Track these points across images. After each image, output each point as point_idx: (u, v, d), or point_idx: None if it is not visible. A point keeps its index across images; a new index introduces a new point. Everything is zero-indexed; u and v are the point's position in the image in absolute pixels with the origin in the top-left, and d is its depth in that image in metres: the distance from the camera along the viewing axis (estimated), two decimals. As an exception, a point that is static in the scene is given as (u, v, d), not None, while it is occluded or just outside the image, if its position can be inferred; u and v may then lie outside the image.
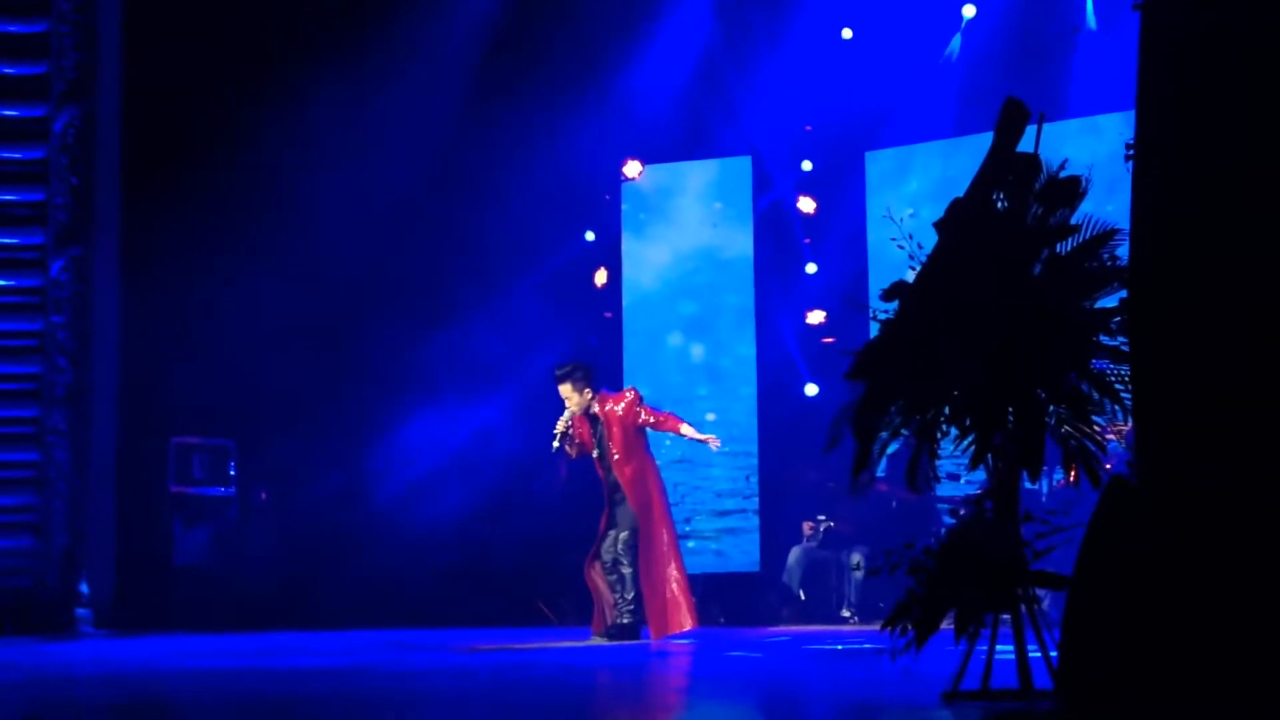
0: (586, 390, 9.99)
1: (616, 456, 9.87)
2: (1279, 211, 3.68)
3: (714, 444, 10.18)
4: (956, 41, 13.18)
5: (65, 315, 12.21)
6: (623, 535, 9.87)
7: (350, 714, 5.35)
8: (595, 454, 10.00)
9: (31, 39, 12.39)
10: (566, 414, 9.97)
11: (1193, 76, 3.83)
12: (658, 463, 10.35)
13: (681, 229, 14.31)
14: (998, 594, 4.67)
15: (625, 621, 9.82)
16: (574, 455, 10.11)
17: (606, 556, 9.96)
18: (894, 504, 12.01)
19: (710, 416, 13.51)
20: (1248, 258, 3.68)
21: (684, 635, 9.87)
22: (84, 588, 11.98)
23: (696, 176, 14.31)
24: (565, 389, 9.99)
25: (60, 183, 12.26)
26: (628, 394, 10.08)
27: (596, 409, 9.96)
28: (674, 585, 9.84)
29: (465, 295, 14.11)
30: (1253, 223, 3.69)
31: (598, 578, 10.03)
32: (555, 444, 9.99)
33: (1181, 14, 3.87)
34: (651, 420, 10.02)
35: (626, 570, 9.84)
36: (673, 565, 9.89)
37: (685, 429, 10.10)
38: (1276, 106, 3.69)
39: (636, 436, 9.99)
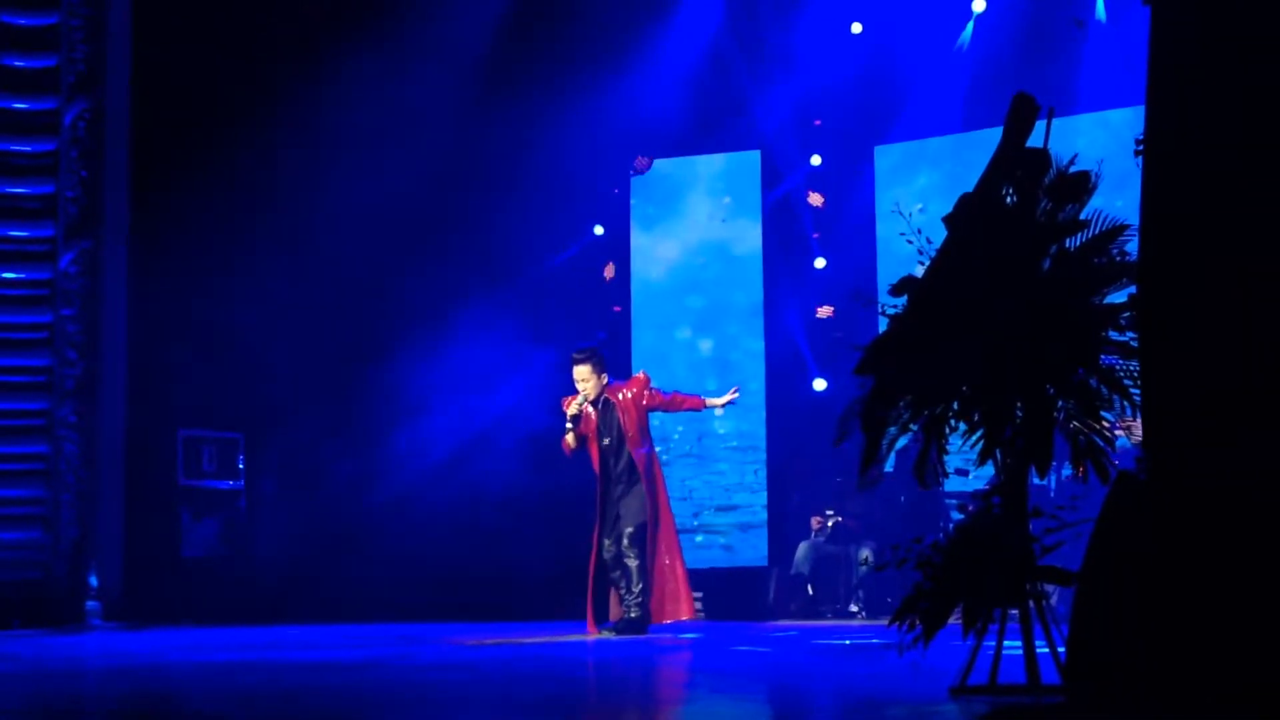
0: (603, 375, 10.02)
1: (630, 434, 9.89)
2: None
3: (734, 395, 10.36)
4: (968, 31, 13.16)
5: (74, 308, 12.24)
6: (628, 530, 9.86)
7: (358, 707, 5.36)
8: (605, 441, 9.97)
9: (42, 32, 12.41)
10: (580, 397, 9.97)
11: (1201, 72, 3.82)
12: (662, 457, 10.40)
13: (690, 223, 14.30)
14: (1006, 589, 4.67)
15: (633, 615, 9.82)
16: (574, 446, 10.08)
17: (607, 555, 9.96)
18: (902, 499, 12.00)
19: (719, 411, 13.50)
20: (1256, 255, 3.67)
21: (680, 626, 9.90)
22: (93, 580, 12.00)
23: (705, 170, 14.31)
24: (584, 370, 9.98)
25: (70, 176, 12.28)
26: (639, 377, 10.12)
27: (607, 396, 9.98)
28: (676, 575, 9.89)
29: (473, 289, 14.11)
30: (1261, 219, 3.68)
31: (596, 581, 10.06)
32: (568, 425, 9.99)
33: (1191, 10, 3.86)
34: (661, 401, 10.03)
35: (632, 563, 9.83)
36: (676, 555, 9.94)
37: (710, 401, 10.26)
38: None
39: (645, 424, 10.03)
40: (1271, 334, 3.60)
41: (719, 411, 12.13)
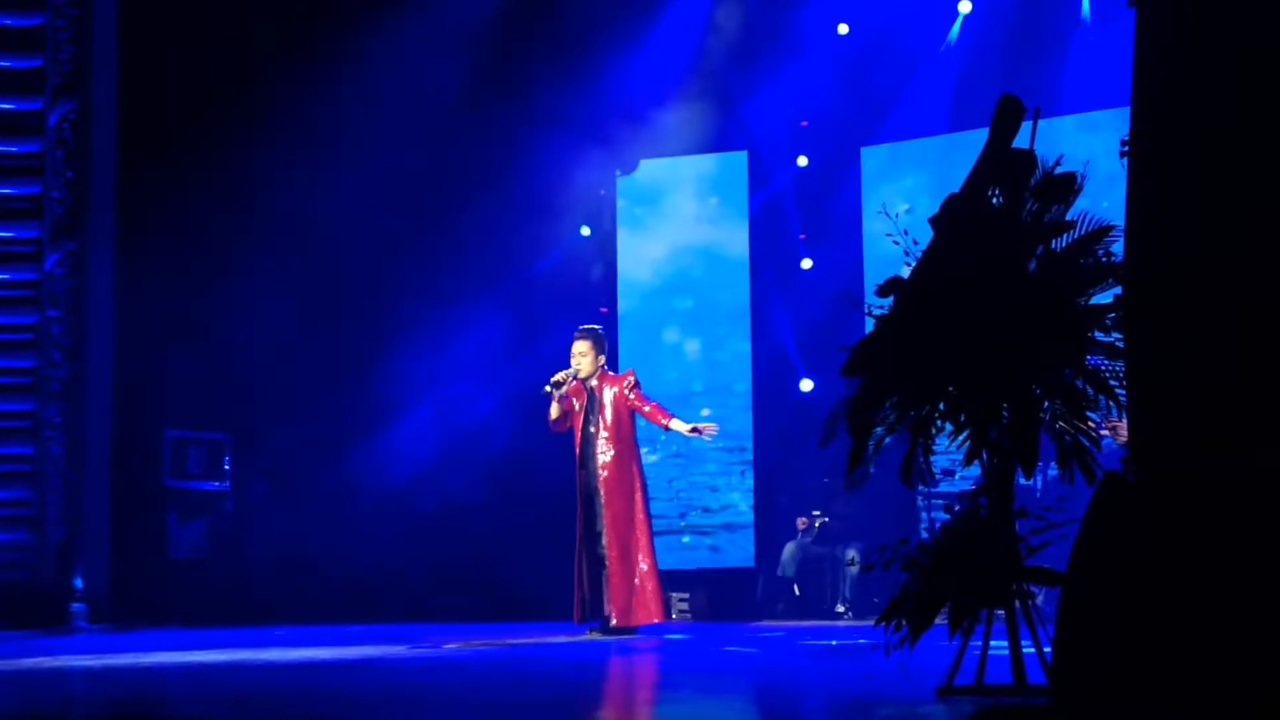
0: (601, 357, 9.98)
1: (605, 435, 9.82)
2: (1274, 208, 3.69)
3: (710, 431, 10.10)
4: (955, 32, 13.18)
5: (60, 309, 12.21)
6: (604, 530, 9.84)
7: (345, 708, 5.35)
8: (589, 429, 9.89)
9: (27, 32, 12.39)
10: (571, 369, 9.94)
11: (1187, 73, 3.83)
12: (650, 457, 10.31)
13: (677, 224, 14.31)
14: (992, 589, 4.68)
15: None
16: (554, 417, 10.00)
17: (597, 551, 9.93)
18: (888, 499, 11.99)
19: (705, 412, 13.51)
20: (1243, 254, 3.68)
21: (659, 628, 9.85)
22: (79, 582, 11.97)
23: (692, 171, 14.31)
24: (583, 346, 9.91)
25: (55, 176, 12.25)
26: (627, 375, 10.05)
27: (596, 383, 9.93)
28: (644, 577, 9.79)
29: (461, 290, 14.11)
30: (1248, 219, 3.70)
31: (584, 574, 10.01)
32: (547, 388, 9.92)
33: (1176, 11, 3.87)
34: (640, 407, 9.93)
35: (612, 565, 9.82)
36: (645, 558, 9.82)
37: (675, 424, 9.87)
38: (1270, 104, 3.69)
39: (627, 420, 9.90)
40: (1255, 332, 3.61)
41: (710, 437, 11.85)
